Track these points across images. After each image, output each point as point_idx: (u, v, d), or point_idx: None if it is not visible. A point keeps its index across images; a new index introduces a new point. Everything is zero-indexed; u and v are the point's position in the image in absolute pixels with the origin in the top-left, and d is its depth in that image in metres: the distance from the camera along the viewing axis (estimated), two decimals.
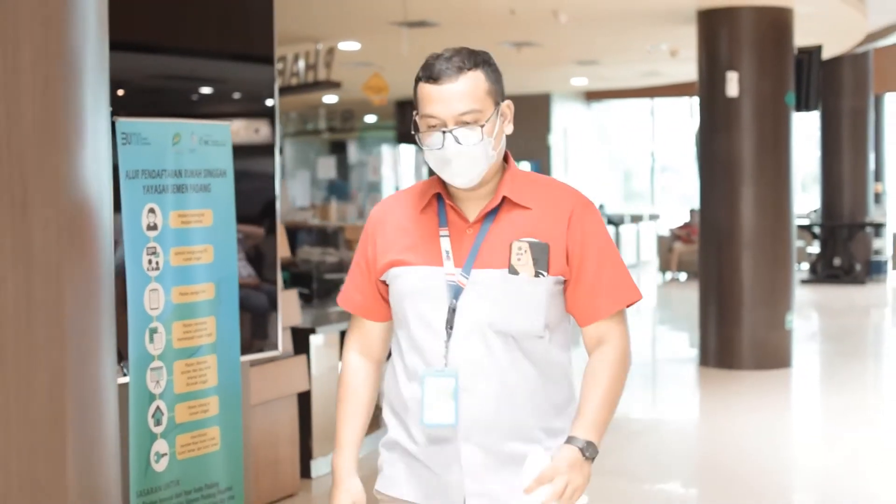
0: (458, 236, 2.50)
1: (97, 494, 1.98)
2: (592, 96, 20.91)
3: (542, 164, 19.57)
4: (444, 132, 2.41)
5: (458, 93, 2.41)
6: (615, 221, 19.47)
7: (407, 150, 19.56)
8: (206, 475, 3.97)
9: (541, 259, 2.44)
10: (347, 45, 12.28)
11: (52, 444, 1.88)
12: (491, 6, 9.92)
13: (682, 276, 17.39)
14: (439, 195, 2.55)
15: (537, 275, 2.45)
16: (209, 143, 3.98)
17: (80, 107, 1.81)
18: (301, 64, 12.26)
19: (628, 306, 2.54)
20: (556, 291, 2.50)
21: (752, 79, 9.52)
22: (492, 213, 2.49)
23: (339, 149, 21.72)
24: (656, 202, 21.91)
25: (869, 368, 10.21)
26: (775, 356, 9.51)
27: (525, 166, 18.78)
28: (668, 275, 17.51)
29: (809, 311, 13.62)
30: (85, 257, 1.83)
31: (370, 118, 21.56)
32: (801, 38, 10.31)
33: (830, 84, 15.42)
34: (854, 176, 16.52)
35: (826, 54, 12.00)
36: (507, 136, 2.51)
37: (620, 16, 10.65)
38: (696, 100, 10.14)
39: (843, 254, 16.43)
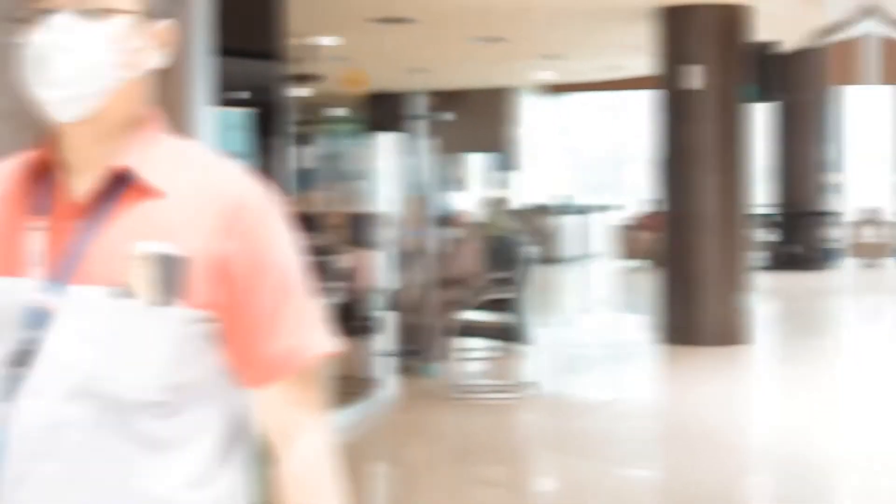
0: (61, 230, 1.56)
1: None
2: (558, 89, 21.32)
3: (508, 156, 19.94)
4: (49, 13, 1.52)
5: None
6: (582, 211, 19.82)
7: (383, 138, 19.92)
8: None
9: (171, 279, 1.51)
10: (324, 41, 12.67)
11: None
12: (465, 2, 10.35)
13: (649, 263, 17.81)
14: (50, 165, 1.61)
15: (162, 302, 1.51)
16: (234, 128, 4.44)
17: (198, 100, 2.28)
18: None
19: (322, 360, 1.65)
20: (198, 333, 1.55)
21: (713, 72, 9.98)
22: (112, 196, 1.56)
23: (306, 141, 21.96)
24: (622, 192, 22.36)
25: (824, 345, 10.78)
26: (736, 333, 10.03)
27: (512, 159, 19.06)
28: (635, 262, 17.94)
29: (768, 294, 14.18)
30: None
31: (339, 111, 21.87)
32: (760, 33, 10.77)
33: (789, 77, 15.89)
34: (812, 167, 17.07)
35: (784, 48, 12.50)
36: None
37: (585, 12, 11.05)
38: (659, 93, 10.54)
39: (801, 241, 16.96)
